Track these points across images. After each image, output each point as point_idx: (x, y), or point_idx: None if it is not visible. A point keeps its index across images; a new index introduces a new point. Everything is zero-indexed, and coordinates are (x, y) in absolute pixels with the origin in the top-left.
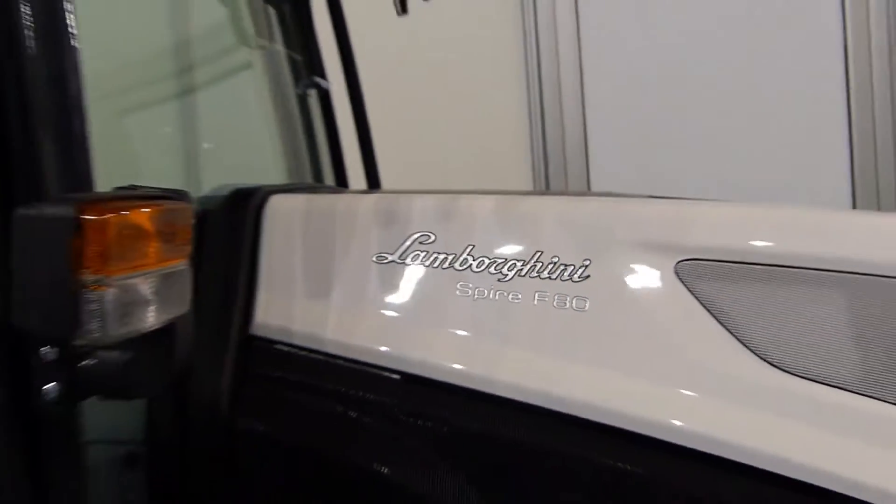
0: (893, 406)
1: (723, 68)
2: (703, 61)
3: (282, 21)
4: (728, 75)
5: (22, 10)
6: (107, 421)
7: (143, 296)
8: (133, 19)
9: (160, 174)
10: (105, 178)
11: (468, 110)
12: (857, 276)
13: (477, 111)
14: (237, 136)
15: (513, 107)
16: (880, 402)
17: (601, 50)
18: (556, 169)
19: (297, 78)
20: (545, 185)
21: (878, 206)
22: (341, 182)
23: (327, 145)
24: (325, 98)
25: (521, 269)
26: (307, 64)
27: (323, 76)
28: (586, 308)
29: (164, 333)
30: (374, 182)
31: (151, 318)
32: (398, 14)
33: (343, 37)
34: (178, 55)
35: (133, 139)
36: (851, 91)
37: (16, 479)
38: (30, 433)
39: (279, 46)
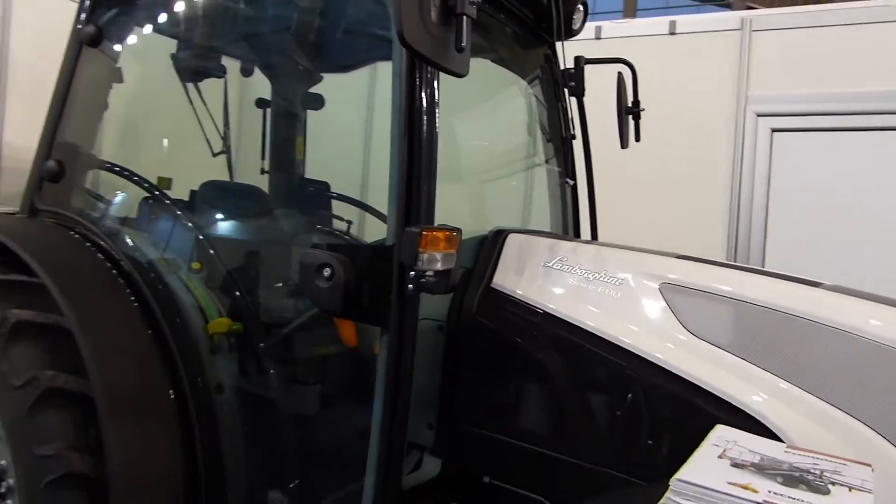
0: (743, 360)
1: (854, 198)
2: (831, 194)
3: (556, 151)
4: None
5: (424, 124)
6: (428, 307)
7: (437, 258)
8: (467, 136)
9: (475, 217)
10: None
11: (693, 204)
12: (735, 301)
13: (696, 203)
14: (520, 204)
15: (720, 207)
16: (740, 359)
17: (783, 181)
18: (742, 245)
19: (560, 177)
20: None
21: None
22: (576, 233)
23: (572, 215)
24: (573, 188)
25: (597, 276)
26: (564, 171)
27: (574, 178)
28: (618, 296)
29: (446, 272)
30: (594, 236)
31: (440, 266)
32: (622, 147)
33: (588, 155)
34: (495, 158)
35: (459, 197)
36: None
37: (394, 334)
38: (401, 311)
39: (554, 165)
